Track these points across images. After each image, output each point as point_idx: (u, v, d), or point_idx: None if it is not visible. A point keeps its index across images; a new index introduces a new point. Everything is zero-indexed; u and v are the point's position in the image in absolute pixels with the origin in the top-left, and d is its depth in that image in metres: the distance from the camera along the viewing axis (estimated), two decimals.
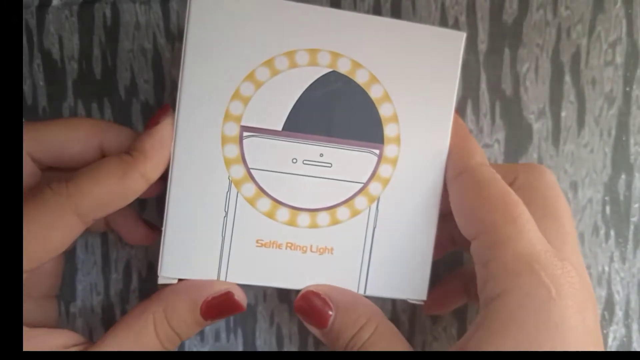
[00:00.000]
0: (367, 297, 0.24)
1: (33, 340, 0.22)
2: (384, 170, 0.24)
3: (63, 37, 0.29)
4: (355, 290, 0.24)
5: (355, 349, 0.22)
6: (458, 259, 0.29)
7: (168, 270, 0.23)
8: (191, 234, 0.23)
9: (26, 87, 0.29)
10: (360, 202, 0.24)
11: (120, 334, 0.22)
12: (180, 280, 0.23)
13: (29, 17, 0.29)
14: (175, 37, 0.29)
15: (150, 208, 0.29)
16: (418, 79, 0.23)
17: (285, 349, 0.29)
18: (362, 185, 0.24)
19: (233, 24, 0.22)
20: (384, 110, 0.23)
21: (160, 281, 0.23)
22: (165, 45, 0.29)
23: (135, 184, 0.22)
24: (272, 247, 0.24)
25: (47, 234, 0.21)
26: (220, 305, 0.23)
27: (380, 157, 0.24)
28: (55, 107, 0.29)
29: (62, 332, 0.23)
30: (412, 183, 0.24)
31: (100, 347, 0.22)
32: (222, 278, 0.23)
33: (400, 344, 0.23)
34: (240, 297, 0.23)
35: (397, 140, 0.24)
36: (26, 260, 0.21)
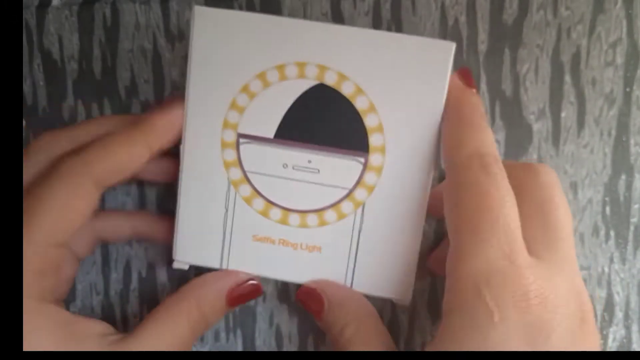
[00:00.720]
0: None
1: (75, 325, 0.22)
2: (369, 177, 0.25)
3: (63, 37, 0.29)
4: None
5: (339, 345, 0.24)
6: None
7: (180, 256, 0.26)
8: (198, 226, 0.26)
9: (26, 87, 0.29)
10: (347, 206, 0.25)
11: (157, 322, 0.24)
12: (190, 265, 0.26)
13: (29, 17, 0.29)
14: (175, 37, 0.29)
15: (151, 208, 0.29)
16: (405, 90, 0.24)
17: (285, 349, 0.29)
18: (347, 191, 0.25)
19: (230, 41, 0.24)
20: (369, 121, 0.24)
21: (175, 265, 0.26)
22: (165, 45, 0.29)
23: (141, 153, 0.24)
24: (267, 242, 0.26)
25: (71, 203, 0.22)
26: (244, 290, 0.26)
27: (365, 165, 0.25)
28: (55, 107, 0.29)
29: (99, 321, 0.24)
30: (397, 191, 0.25)
31: (138, 336, 0.23)
32: (224, 266, 0.26)
33: (379, 346, 0.23)
34: (259, 282, 0.26)
35: (382, 149, 0.25)
36: (57, 232, 0.21)
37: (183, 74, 0.26)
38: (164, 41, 0.29)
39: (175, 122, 0.24)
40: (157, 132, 0.24)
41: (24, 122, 0.29)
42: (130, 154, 0.23)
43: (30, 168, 0.23)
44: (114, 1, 0.29)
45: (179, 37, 0.29)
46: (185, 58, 0.26)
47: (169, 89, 0.29)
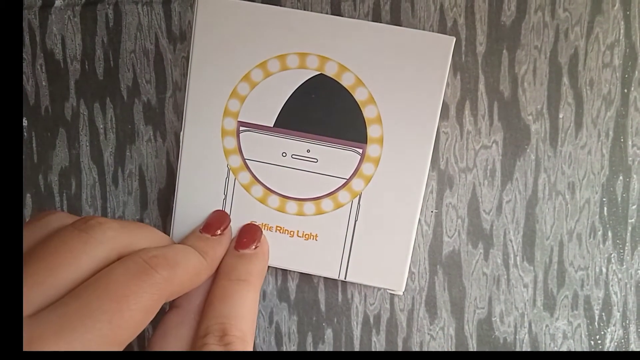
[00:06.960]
0: (347, 282, 0.26)
1: None
2: (367, 168, 0.25)
3: (66, 37, 0.29)
4: (336, 276, 0.26)
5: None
6: (451, 253, 0.29)
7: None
8: (196, 213, 0.26)
9: (29, 87, 0.29)
10: (344, 196, 0.26)
11: None
12: None
13: (32, 17, 0.29)
14: (177, 38, 0.29)
15: (152, 207, 0.29)
16: (404, 82, 0.25)
17: (284, 348, 0.29)
18: (345, 180, 0.26)
19: (232, 30, 0.25)
20: (368, 112, 0.25)
21: None
22: (167, 46, 0.29)
23: (203, 279, 0.24)
24: (264, 228, 0.26)
25: (145, 317, 0.20)
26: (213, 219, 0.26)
27: (363, 156, 0.25)
28: (58, 107, 0.29)
29: None
30: (394, 182, 0.25)
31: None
32: None
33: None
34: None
35: (380, 140, 0.25)
36: (123, 336, 0.19)
37: (184, 75, 0.26)
38: (165, 42, 0.29)
39: (223, 253, 0.25)
40: (216, 264, 0.25)
41: (25, 121, 0.30)
42: (198, 282, 0.23)
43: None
44: (117, 2, 0.29)
45: (181, 38, 0.29)
46: (187, 59, 0.26)
47: (170, 89, 0.29)
